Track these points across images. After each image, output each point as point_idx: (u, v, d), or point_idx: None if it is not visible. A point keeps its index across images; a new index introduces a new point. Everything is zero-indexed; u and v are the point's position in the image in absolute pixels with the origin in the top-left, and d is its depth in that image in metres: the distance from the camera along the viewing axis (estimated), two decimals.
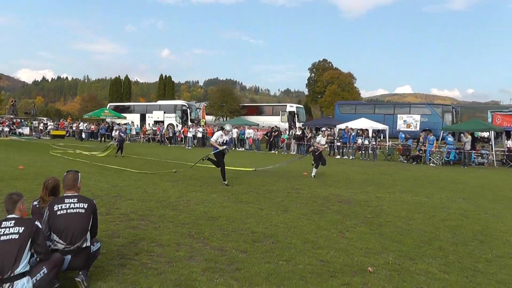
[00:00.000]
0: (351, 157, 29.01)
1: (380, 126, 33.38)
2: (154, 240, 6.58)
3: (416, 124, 41.21)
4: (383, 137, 34.00)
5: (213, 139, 13.43)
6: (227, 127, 13.65)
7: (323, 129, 17.75)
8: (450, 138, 27.24)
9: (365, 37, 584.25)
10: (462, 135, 27.29)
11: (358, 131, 30.67)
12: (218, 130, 14.64)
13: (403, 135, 30.48)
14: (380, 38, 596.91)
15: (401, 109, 44.01)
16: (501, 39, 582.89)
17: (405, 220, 8.96)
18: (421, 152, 27.25)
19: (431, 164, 25.66)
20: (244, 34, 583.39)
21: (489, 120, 38.38)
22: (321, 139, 16.35)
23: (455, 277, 5.63)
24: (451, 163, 26.10)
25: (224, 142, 13.24)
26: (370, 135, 30.16)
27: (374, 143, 29.25)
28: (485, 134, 37.38)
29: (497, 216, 10.03)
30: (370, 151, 29.05)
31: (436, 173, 20.38)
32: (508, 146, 28.05)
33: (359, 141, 29.31)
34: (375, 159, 28.38)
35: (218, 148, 13.02)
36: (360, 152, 29.53)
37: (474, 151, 27.06)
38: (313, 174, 15.86)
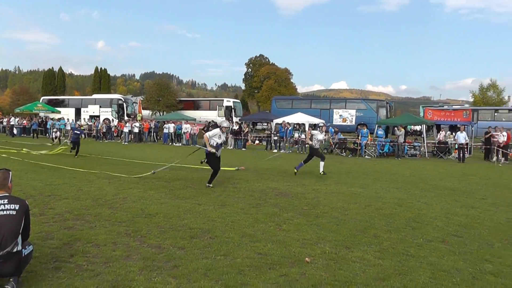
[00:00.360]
0: (288, 151, 29.35)
1: (316, 120, 34.00)
2: (90, 241, 6.38)
3: (352, 118, 42.40)
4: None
5: (208, 134, 11.95)
6: (225, 123, 12.75)
7: (321, 124, 17.35)
8: (380, 132, 28.43)
9: (301, 34, 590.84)
10: (395, 128, 28.41)
11: (295, 126, 31.10)
12: (213, 127, 13.20)
13: (333, 129, 31.29)
14: (317, 35, 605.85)
15: (337, 104, 45.23)
16: (432, 39, 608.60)
17: (341, 210, 9.19)
18: (356, 145, 28.01)
19: (366, 157, 26.43)
20: (180, 27, 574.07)
21: (421, 114, 40.45)
22: (318, 134, 15.65)
23: (389, 262, 5.85)
24: (386, 155, 27.03)
25: (218, 144, 11.86)
26: (307, 129, 30.62)
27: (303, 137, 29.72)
28: (417, 128, 39.32)
29: (428, 203, 10.50)
30: (306, 145, 29.46)
31: (371, 165, 21.02)
32: (439, 138, 29.80)
33: (296, 135, 29.74)
34: (302, 151, 28.84)
35: (207, 148, 11.70)
36: (296, 146, 29.96)
37: (407, 144, 28.16)
38: (321, 170, 15.18)
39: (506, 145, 25.99)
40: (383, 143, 27.72)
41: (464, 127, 27.08)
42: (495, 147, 25.49)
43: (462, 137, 25.35)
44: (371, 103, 44.32)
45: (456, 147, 26.42)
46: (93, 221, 7.62)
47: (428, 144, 29.90)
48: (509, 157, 25.66)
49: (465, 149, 26.13)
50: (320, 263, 5.65)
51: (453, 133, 29.59)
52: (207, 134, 11.96)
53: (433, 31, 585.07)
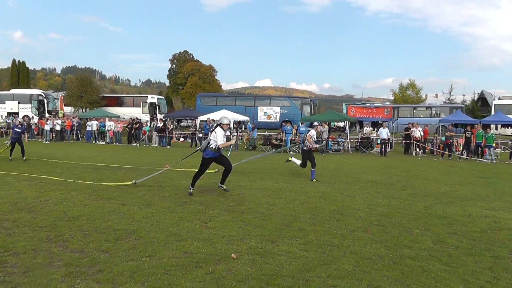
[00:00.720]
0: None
1: (241, 117, 34.19)
2: (8, 249, 6.02)
3: (276, 115, 43.05)
4: (245, 128, 34.96)
5: (222, 139, 10.50)
6: (225, 120, 11.09)
7: (316, 123, 16.83)
8: (302, 128, 29.08)
9: (226, 31, 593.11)
10: (319, 125, 29.11)
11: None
12: (216, 127, 11.00)
13: (251, 125, 31.70)
14: (241, 33, 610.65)
15: (262, 101, 45.70)
16: (354, 40, 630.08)
17: (266, 206, 9.34)
18: (279, 141, 28.48)
19: (291, 153, 26.88)
20: (103, 20, 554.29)
21: (344, 111, 41.86)
22: (314, 134, 14.63)
23: (313, 253, 6.05)
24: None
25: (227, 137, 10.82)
26: (232, 126, 30.72)
27: (236, 134, 29.86)
28: (341, 124, 40.71)
29: (351, 196, 10.93)
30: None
31: None
32: (362, 134, 31.40)
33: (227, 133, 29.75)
34: (236, 149, 28.99)
35: (215, 152, 10.58)
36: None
37: (331, 139, 29.06)
38: (292, 159, 14.73)
39: (424, 139, 28.28)
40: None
41: (386, 124, 28.57)
42: (414, 142, 27.19)
43: (384, 132, 26.96)
44: (295, 100, 45.20)
45: (379, 142, 27.70)
46: (11, 227, 7.22)
47: (351, 140, 31.15)
48: (426, 150, 27.63)
49: (387, 144, 27.74)
50: (246, 259, 5.73)
51: (375, 129, 31.18)
52: (222, 141, 10.46)
53: (355, 33, 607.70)
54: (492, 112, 40.32)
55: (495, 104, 44.14)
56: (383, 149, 26.63)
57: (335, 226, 7.74)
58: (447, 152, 25.93)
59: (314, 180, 13.56)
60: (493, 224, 8.47)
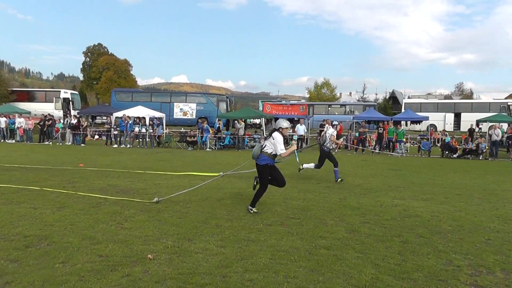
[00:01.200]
0: (128, 146, 28.74)
1: (157, 114, 33.77)
2: None
3: (193, 112, 42.99)
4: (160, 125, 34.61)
5: (283, 147, 8.66)
6: (284, 123, 9.02)
7: (335, 123, 15.41)
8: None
9: (141, 25, 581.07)
10: (236, 122, 29.62)
11: (135, 119, 30.55)
12: (272, 132, 8.94)
13: (156, 122, 31.57)
14: (157, 27, 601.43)
15: (178, 98, 45.43)
16: (270, 39, 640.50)
17: (183, 203, 9.25)
18: (193, 138, 28.45)
19: (208, 149, 26.96)
20: (10, 6, 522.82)
21: (260, 108, 42.60)
22: (335, 132, 13.33)
23: (230, 249, 6.07)
24: (227, 147, 27.94)
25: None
26: (147, 123, 30.27)
27: (151, 131, 29.46)
28: (257, 121, 41.45)
29: (267, 191, 10.93)
30: (147, 139, 29.19)
31: (212, 157, 21.55)
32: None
33: (136, 129, 29.22)
34: (152, 147, 28.61)
35: (271, 158, 8.68)
36: (137, 140, 29.50)
37: (247, 136, 29.49)
38: (304, 166, 13.94)
39: (339, 135, 28.89)
40: (224, 136, 28.71)
41: (303, 120, 29.48)
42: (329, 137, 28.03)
43: (301, 129, 28.20)
44: (211, 97, 45.41)
45: (295, 138, 28.42)
46: None
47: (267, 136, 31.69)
48: (341, 145, 28.83)
49: (303, 140, 29.05)
50: (163, 258, 5.64)
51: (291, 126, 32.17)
52: (282, 149, 8.62)
53: (271, 32, 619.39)
54: (403, 110, 43.33)
55: (405, 103, 47.43)
56: (299, 145, 27.30)
57: (252, 221, 7.81)
58: (360, 147, 27.46)
59: (339, 180, 13.09)
60: (402, 212, 9.00)
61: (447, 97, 62.76)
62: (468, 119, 38.31)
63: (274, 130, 8.89)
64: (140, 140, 29.38)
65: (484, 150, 25.41)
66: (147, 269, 5.25)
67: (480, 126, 33.78)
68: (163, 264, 5.42)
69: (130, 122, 29.78)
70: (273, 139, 8.60)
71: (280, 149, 8.51)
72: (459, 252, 6.33)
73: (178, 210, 8.61)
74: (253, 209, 8.62)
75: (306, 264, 5.55)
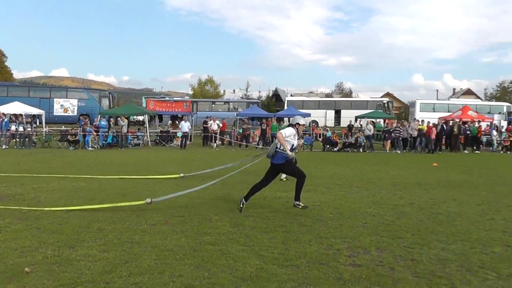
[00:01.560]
0: (4, 146, 26.75)
1: (35, 110, 32.02)
2: None
3: (74, 108, 41.23)
4: (39, 123, 32.90)
5: (284, 133, 8.57)
6: (301, 120, 9.14)
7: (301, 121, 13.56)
8: (103, 122, 28.65)
9: (18, 13, 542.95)
10: (119, 119, 29.06)
11: (11, 117, 28.64)
12: (287, 126, 9.03)
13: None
14: (34, 15, 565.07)
15: (58, 93, 43.16)
16: (154, 34, 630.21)
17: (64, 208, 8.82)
18: (74, 137, 27.31)
19: (90, 149, 26.03)
20: None
21: (144, 105, 42.06)
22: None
23: (114, 253, 5.93)
24: (110, 146, 27.24)
25: (294, 146, 8.84)
26: (24, 120, 28.49)
27: (29, 129, 27.79)
28: (140, 118, 40.91)
29: (151, 190, 11.04)
30: (25, 139, 27.42)
31: (94, 156, 20.92)
32: (161, 128, 33.17)
33: (13, 127, 27.34)
34: (31, 146, 26.94)
35: (284, 153, 8.54)
36: (14, 140, 27.66)
37: (130, 134, 28.98)
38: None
39: (222, 131, 31.26)
40: (105, 133, 28.00)
41: (187, 117, 30.00)
42: (212, 134, 29.50)
43: (186, 126, 28.36)
44: (93, 92, 43.77)
45: (179, 135, 28.61)
46: None
47: (151, 134, 31.76)
48: (225, 142, 30.49)
49: (187, 137, 29.26)
50: (42, 270, 5.28)
51: (176, 122, 32.65)
52: (283, 133, 8.59)
53: (154, 27, 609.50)
54: (285, 107, 45.31)
55: (287, 100, 49.53)
56: (183, 142, 27.78)
57: (136, 222, 7.69)
58: (244, 143, 28.32)
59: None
60: (286, 203, 9.48)
61: (328, 95, 66.18)
62: (348, 116, 41.36)
63: (290, 125, 9.05)
64: (18, 139, 27.53)
65: (362, 144, 27.85)
66: (23, 285, 4.86)
67: (361, 123, 37.04)
68: (42, 277, 5.07)
69: (5, 119, 27.83)
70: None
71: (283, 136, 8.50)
72: (339, 236, 6.85)
73: (59, 215, 8.17)
74: (300, 203, 8.74)
75: (191, 261, 5.61)
